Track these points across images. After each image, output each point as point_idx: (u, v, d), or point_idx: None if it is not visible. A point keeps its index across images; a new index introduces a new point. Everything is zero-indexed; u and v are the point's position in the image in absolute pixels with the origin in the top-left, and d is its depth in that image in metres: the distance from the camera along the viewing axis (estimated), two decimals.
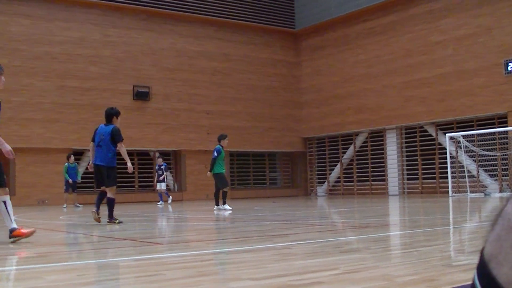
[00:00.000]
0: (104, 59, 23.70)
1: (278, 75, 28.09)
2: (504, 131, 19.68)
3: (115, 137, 9.08)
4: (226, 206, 14.11)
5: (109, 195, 9.10)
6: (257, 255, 4.70)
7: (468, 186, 20.11)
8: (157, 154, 23.86)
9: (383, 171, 25.15)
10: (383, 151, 25.18)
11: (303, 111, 28.39)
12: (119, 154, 9.19)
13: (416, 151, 23.97)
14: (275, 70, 28.05)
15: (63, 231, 8.94)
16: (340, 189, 27.06)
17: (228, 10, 26.69)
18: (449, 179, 20.30)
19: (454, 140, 20.71)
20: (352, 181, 26.50)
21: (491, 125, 20.88)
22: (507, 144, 20.06)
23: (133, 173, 22.66)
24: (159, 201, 20.05)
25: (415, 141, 24.01)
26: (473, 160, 20.97)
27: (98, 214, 9.11)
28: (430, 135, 23.37)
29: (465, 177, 20.33)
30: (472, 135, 20.46)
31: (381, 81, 24.64)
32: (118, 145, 9.12)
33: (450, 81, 22.06)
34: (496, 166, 20.35)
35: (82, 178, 20.16)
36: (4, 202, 6.03)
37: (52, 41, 22.77)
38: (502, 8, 20.61)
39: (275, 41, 28.22)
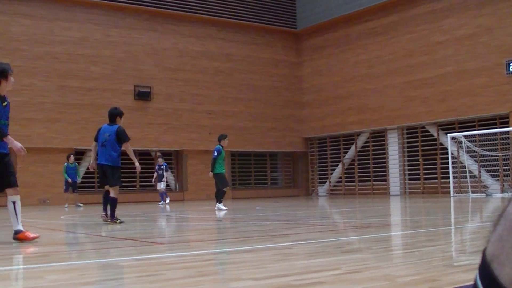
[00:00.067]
0: (105, 59, 23.71)
1: (279, 75, 28.09)
2: (506, 131, 19.68)
3: (122, 137, 9.06)
4: (222, 206, 14.08)
5: (112, 194, 9.10)
6: (258, 255, 4.70)
7: (469, 187, 20.10)
8: (158, 154, 23.83)
9: (384, 171, 25.14)
10: (384, 151, 25.17)
11: (304, 111, 28.38)
12: (123, 154, 9.19)
13: (417, 151, 23.95)
14: (277, 70, 28.06)
15: (64, 230, 8.94)
16: (341, 189, 27.06)
17: (230, 10, 26.69)
18: (451, 179, 20.27)
19: (455, 140, 20.68)
20: (353, 181, 26.49)
21: (493, 125, 20.87)
22: (508, 144, 20.06)
23: (135, 172, 22.64)
24: (160, 201, 20.08)
25: (417, 141, 24.00)
26: (475, 160, 20.95)
27: (107, 217, 9.15)
28: (432, 135, 23.35)
29: (466, 178, 20.33)
30: (474, 135, 20.44)
31: (382, 81, 24.63)
32: (125, 145, 9.11)
33: (452, 81, 22.04)
34: (497, 166, 20.33)
35: (83, 178, 20.15)
36: (14, 203, 6.00)
37: (53, 41, 22.77)
38: (503, 8, 20.59)
39: (277, 41, 28.23)
